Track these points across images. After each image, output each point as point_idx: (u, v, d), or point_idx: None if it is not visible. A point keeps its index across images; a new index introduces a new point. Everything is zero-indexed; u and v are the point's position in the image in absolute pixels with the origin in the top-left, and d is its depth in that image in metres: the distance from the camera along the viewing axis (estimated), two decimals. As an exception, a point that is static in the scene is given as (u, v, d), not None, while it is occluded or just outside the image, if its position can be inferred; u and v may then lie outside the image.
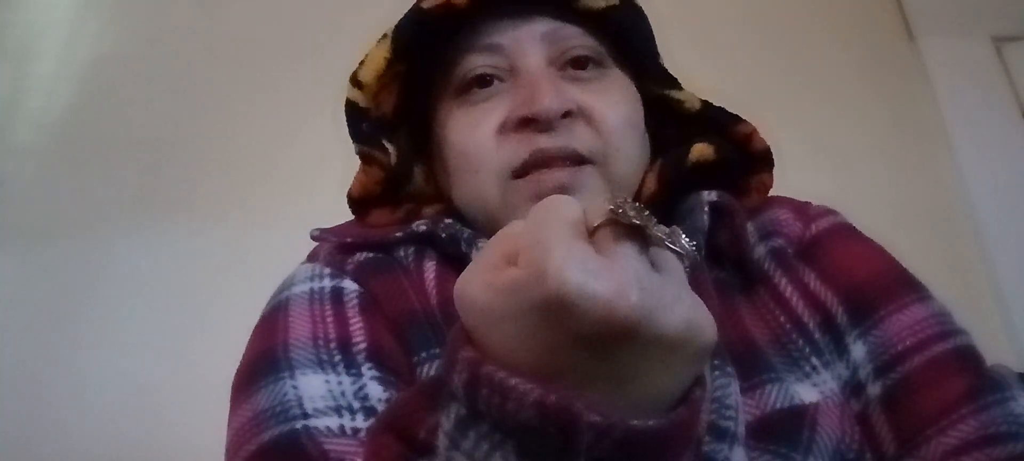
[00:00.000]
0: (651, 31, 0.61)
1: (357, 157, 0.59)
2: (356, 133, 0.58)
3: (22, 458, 1.13)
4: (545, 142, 0.52)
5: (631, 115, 0.56)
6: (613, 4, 0.56)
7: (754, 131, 0.58)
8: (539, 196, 0.51)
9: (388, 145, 0.58)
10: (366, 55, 0.57)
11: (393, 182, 0.59)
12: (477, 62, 0.55)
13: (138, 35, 1.45)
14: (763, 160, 0.59)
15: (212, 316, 1.14)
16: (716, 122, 0.58)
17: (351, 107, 0.57)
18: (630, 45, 0.58)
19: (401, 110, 0.59)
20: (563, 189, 0.51)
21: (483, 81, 0.55)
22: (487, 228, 0.55)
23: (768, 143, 0.59)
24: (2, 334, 1.20)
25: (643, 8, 0.61)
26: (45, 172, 1.33)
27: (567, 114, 0.53)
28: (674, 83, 0.59)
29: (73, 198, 1.30)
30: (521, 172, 0.53)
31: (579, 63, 0.56)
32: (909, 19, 1.64)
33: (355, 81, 0.57)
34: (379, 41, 0.57)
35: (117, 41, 1.45)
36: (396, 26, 0.56)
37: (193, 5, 1.47)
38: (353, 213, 0.60)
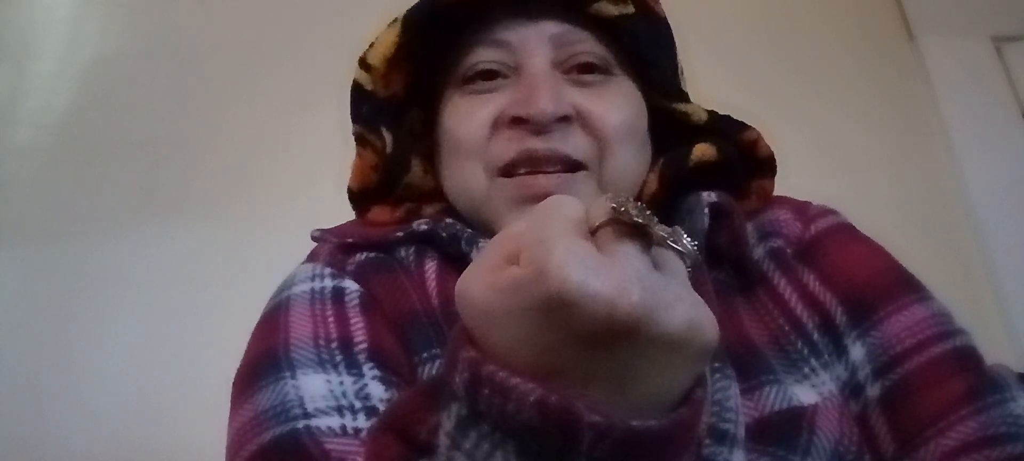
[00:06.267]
0: (670, 43, 0.59)
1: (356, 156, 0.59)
2: (356, 115, 0.58)
3: (20, 458, 1.12)
4: (535, 143, 0.52)
5: (631, 121, 0.55)
6: (627, 13, 0.56)
7: (759, 138, 0.58)
8: (525, 199, 0.51)
9: (385, 132, 0.58)
10: (376, 38, 0.57)
11: (389, 171, 0.58)
12: (484, 56, 0.55)
13: (138, 35, 1.45)
14: (766, 166, 0.58)
15: (211, 316, 1.13)
16: (723, 131, 0.58)
17: (356, 88, 0.58)
18: (640, 55, 0.57)
19: (409, 98, 0.59)
20: (551, 195, 0.51)
21: (487, 75, 0.56)
22: (472, 221, 0.55)
23: (772, 150, 0.58)
24: (1, 334, 1.20)
25: (667, 20, 0.59)
26: (45, 172, 1.33)
27: (564, 119, 0.52)
28: (682, 96, 0.59)
29: (73, 198, 1.30)
30: (508, 170, 0.53)
31: (584, 69, 0.55)
32: (909, 19, 1.64)
33: (363, 63, 0.57)
34: (389, 25, 0.57)
35: (117, 41, 1.45)
36: (408, 11, 0.56)
37: (193, 5, 1.46)
38: (353, 208, 0.61)
